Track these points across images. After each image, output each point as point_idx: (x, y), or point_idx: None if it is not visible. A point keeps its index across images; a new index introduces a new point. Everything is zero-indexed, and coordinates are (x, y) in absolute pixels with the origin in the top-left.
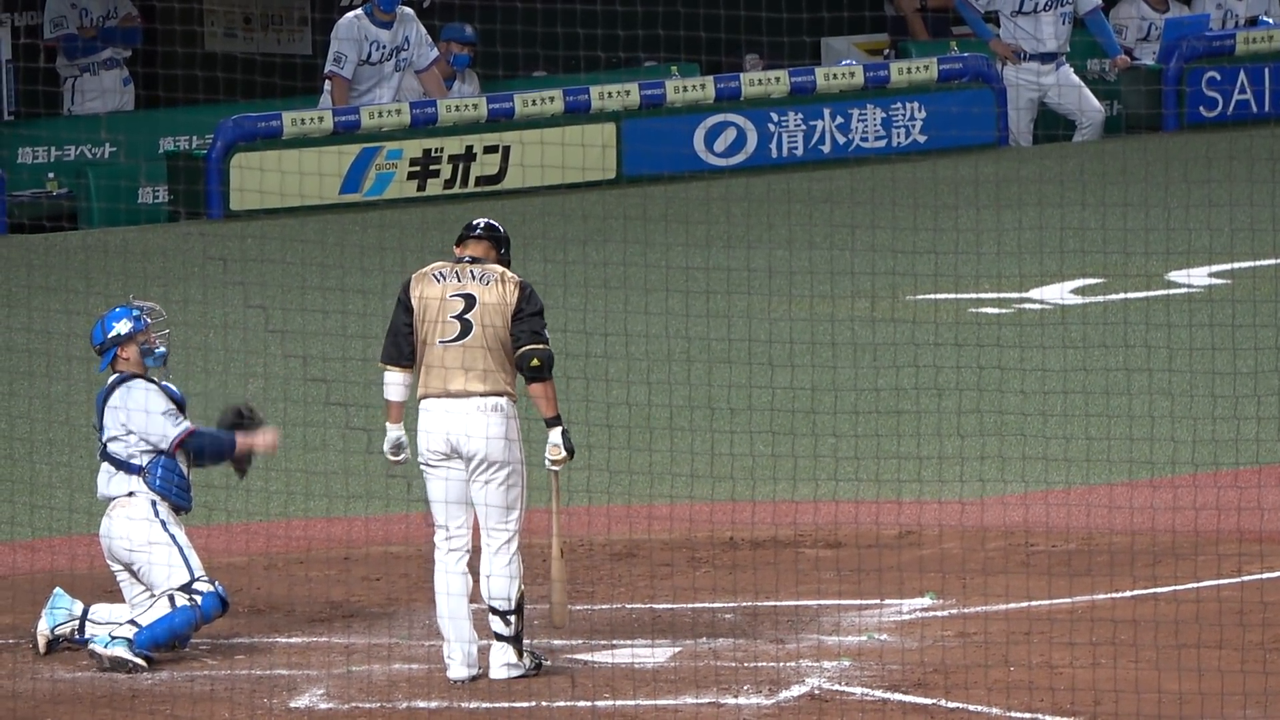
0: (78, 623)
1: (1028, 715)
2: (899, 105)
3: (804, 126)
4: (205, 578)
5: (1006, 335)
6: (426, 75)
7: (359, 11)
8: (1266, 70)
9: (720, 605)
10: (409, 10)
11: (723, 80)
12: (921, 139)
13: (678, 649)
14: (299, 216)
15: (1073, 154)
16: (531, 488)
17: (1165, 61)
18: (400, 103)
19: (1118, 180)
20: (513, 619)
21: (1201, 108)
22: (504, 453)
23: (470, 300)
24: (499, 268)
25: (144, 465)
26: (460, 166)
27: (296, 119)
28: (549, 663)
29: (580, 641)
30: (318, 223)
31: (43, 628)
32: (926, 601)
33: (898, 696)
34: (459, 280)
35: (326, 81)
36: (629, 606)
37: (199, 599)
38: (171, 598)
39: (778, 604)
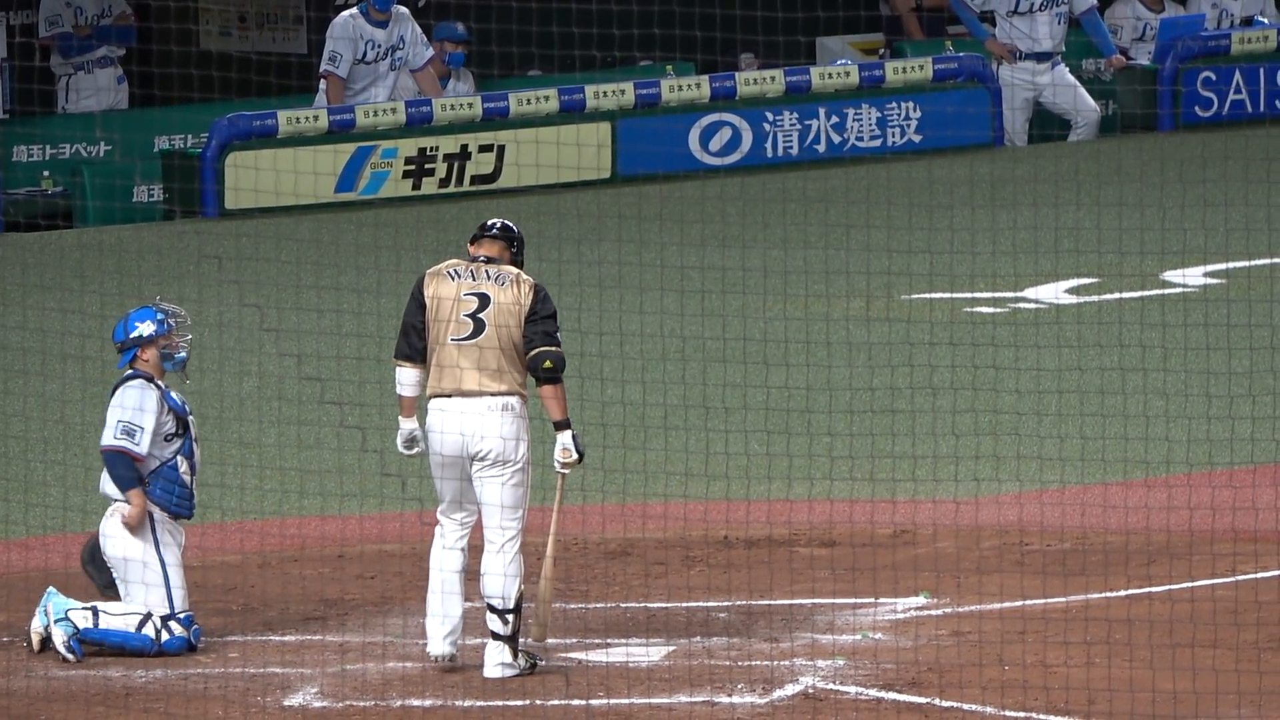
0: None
1: (1022, 714)
2: (894, 105)
3: (799, 126)
4: (184, 618)
5: (1001, 335)
6: (422, 74)
7: (354, 10)
8: (1261, 70)
9: (715, 604)
10: (404, 9)
11: (718, 80)
12: (917, 139)
13: (672, 648)
14: (294, 215)
15: (1068, 154)
16: (534, 486)
17: (1160, 61)
18: (395, 102)
19: (1113, 180)
20: (510, 618)
21: (1196, 107)
22: (513, 452)
23: (484, 299)
24: (514, 269)
25: (145, 475)
26: (455, 165)
27: (292, 118)
28: (544, 662)
29: (574, 640)
30: (313, 221)
31: (36, 625)
32: (921, 600)
33: (892, 695)
34: (474, 279)
35: (322, 80)
36: (623, 605)
37: (166, 636)
38: (146, 619)
39: (772, 603)
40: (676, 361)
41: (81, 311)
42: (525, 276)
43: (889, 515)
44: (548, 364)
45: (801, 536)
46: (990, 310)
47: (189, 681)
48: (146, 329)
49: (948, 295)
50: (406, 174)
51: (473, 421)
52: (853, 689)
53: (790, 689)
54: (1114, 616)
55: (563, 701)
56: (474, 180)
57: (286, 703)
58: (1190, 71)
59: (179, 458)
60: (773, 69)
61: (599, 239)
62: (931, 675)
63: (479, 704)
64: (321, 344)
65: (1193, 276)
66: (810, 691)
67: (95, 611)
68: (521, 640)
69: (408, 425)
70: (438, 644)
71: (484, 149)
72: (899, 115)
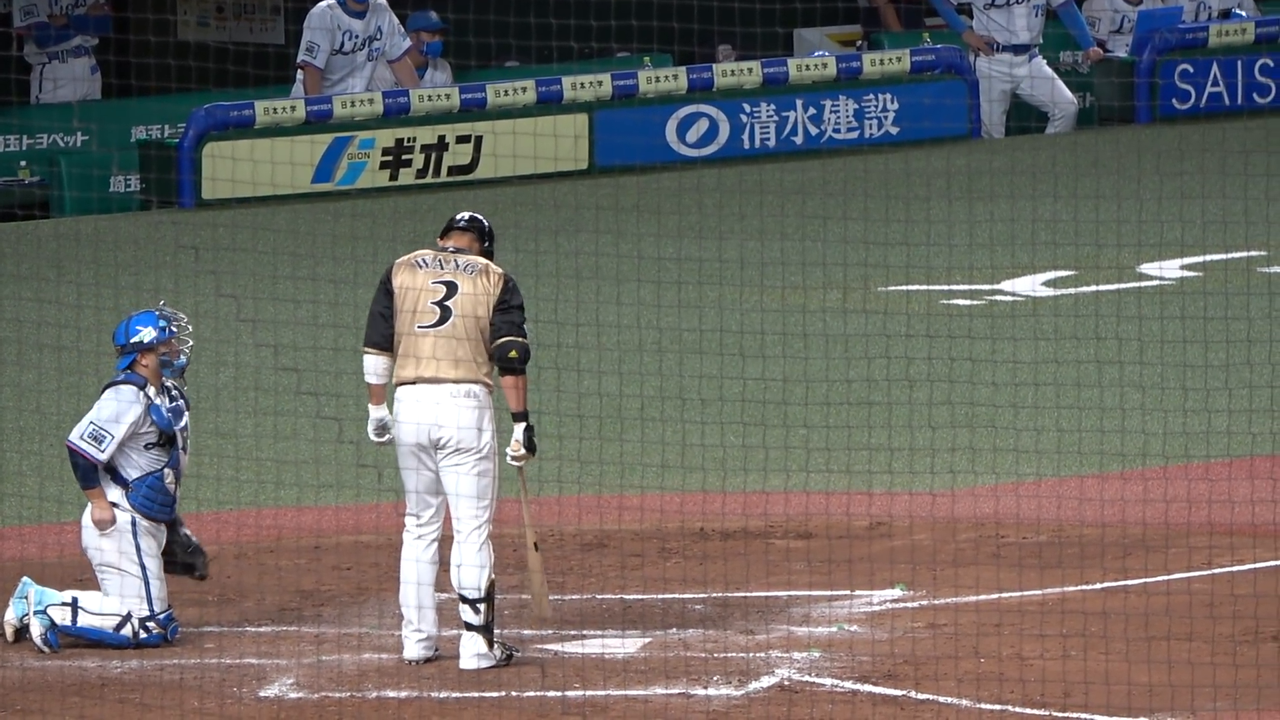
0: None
1: (997, 707)
2: (871, 96)
3: (776, 117)
4: (163, 617)
5: (978, 327)
6: (399, 65)
7: (332, 1)
8: (1239, 63)
9: (690, 596)
10: (382, 0)
11: (695, 71)
12: (894, 130)
13: (648, 640)
14: (271, 206)
15: (1045, 146)
16: (501, 478)
17: (1138, 54)
18: (373, 92)
19: (1090, 172)
20: (482, 608)
21: (1174, 100)
22: (475, 440)
23: (452, 288)
24: (483, 260)
25: (130, 480)
26: (433, 156)
27: (269, 108)
28: (519, 653)
29: (550, 632)
30: (290, 212)
31: (10, 616)
32: (897, 593)
33: (867, 688)
34: (441, 268)
35: (299, 71)
36: (599, 597)
37: (144, 635)
38: (125, 621)
39: (748, 595)
40: (653, 353)
41: (58, 301)
42: (494, 266)
43: (865, 507)
44: (513, 354)
45: (778, 528)
46: (967, 302)
47: (164, 672)
48: (148, 335)
49: (924, 287)
50: (384, 165)
51: (434, 409)
52: (828, 681)
53: (766, 681)
54: (1090, 609)
55: (538, 693)
56: (451, 171)
57: (262, 694)
58: (1168, 64)
59: (165, 469)
60: (750, 60)
61: (576, 230)
62: (907, 668)
63: (455, 695)
64: (298, 334)
65: (1169, 269)
66: (786, 684)
67: (75, 608)
68: (497, 631)
69: (378, 413)
70: (414, 649)
71: (461, 140)
72: (876, 107)
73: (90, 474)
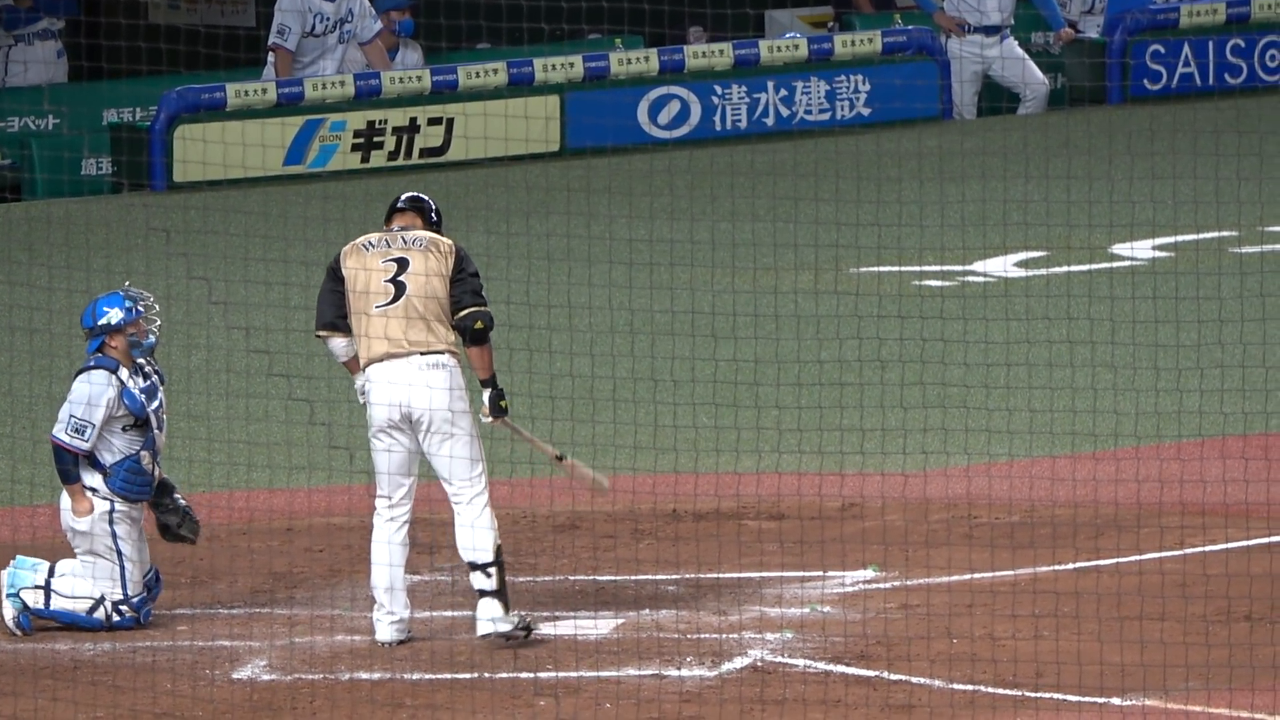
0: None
1: (970, 687)
2: (843, 78)
3: (748, 99)
4: (137, 600)
5: (950, 308)
6: (370, 47)
7: None
8: (1210, 43)
9: (663, 577)
10: None
11: (666, 53)
12: (865, 112)
13: (620, 621)
14: (242, 188)
15: (1016, 127)
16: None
17: (1109, 34)
18: (344, 74)
19: (1061, 153)
20: (493, 571)
21: (1145, 81)
22: (453, 406)
23: (403, 263)
24: (429, 233)
25: (108, 465)
26: (404, 138)
27: (240, 91)
28: (538, 629)
29: (523, 613)
30: (261, 195)
31: None
32: (869, 574)
33: (840, 668)
34: (388, 246)
35: (270, 53)
36: (571, 578)
37: (117, 618)
38: (98, 604)
39: (720, 576)
40: (625, 334)
41: (30, 284)
42: (442, 238)
43: (837, 488)
44: (478, 324)
45: (750, 510)
46: (939, 283)
47: (137, 654)
48: (115, 316)
49: (896, 268)
50: (355, 147)
51: (405, 385)
52: (801, 662)
53: (739, 662)
54: (1062, 589)
55: (511, 675)
56: (423, 153)
57: (235, 675)
58: (1139, 45)
59: (141, 451)
60: (721, 42)
61: (547, 212)
62: (880, 648)
63: (427, 677)
64: (270, 317)
65: (1141, 249)
66: (759, 664)
67: (48, 591)
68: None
69: (359, 380)
70: (385, 631)
71: (433, 122)
72: (848, 88)
73: (72, 468)
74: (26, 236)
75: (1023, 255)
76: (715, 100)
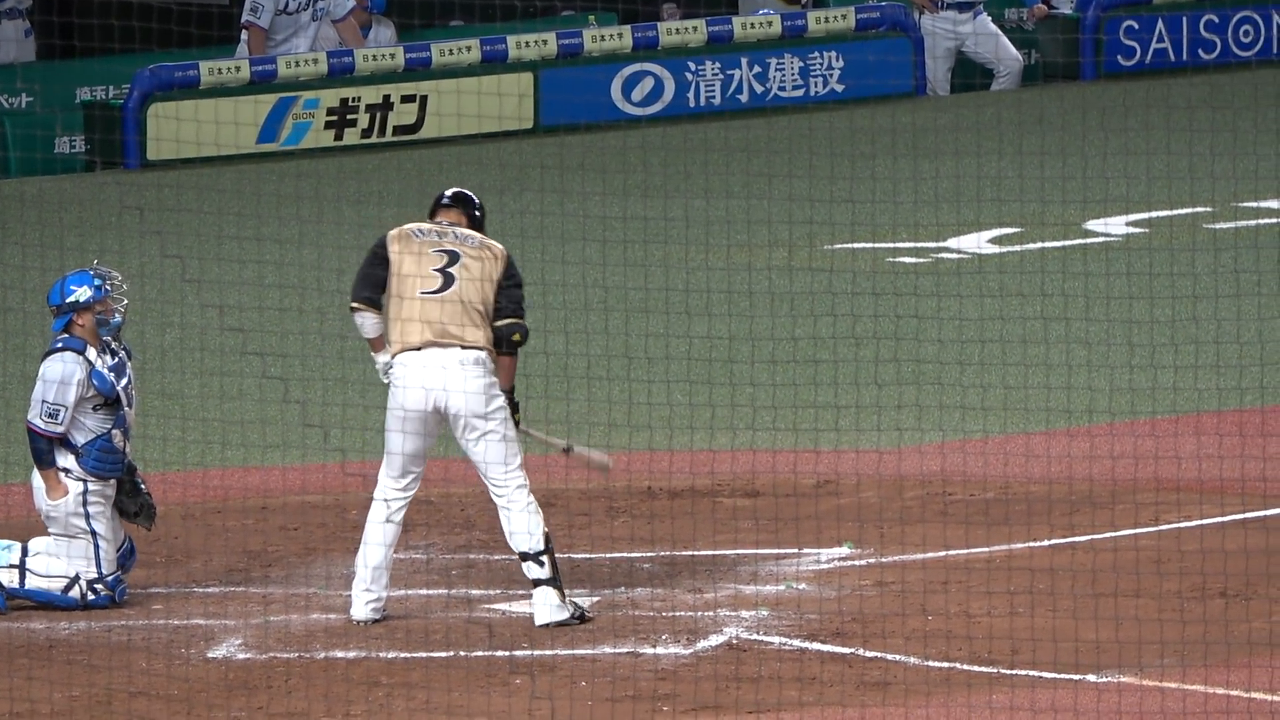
0: (17, 573)
1: (945, 664)
2: (816, 54)
3: (721, 76)
4: (111, 579)
5: (924, 284)
6: (343, 25)
7: None
8: (1184, 19)
9: (638, 555)
10: None
11: (640, 30)
12: (839, 88)
13: (596, 599)
14: (216, 166)
15: (990, 103)
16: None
17: (1083, 10)
18: (317, 52)
19: (1035, 129)
20: (545, 559)
21: (1119, 56)
22: (485, 405)
23: (453, 256)
24: (479, 234)
25: (80, 445)
26: (377, 116)
27: (213, 68)
28: (593, 616)
29: (498, 591)
30: (235, 172)
31: None
32: (844, 551)
33: (816, 646)
34: (439, 238)
35: (243, 31)
36: None
37: (91, 597)
38: (73, 583)
39: (696, 554)
40: (599, 312)
41: (3, 263)
42: (493, 243)
43: (812, 465)
44: (516, 336)
45: (725, 487)
46: (913, 260)
47: (112, 634)
48: (83, 294)
49: (870, 245)
50: (329, 124)
51: (442, 374)
52: (777, 639)
53: (714, 639)
54: (1037, 566)
55: (486, 653)
56: (396, 131)
57: (210, 654)
58: (1112, 20)
59: (113, 430)
60: (695, 19)
61: (521, 189)
62: (855, 625)
63: (403, 655)
64: (244, 295)
65: (1115, 225)
66: (734, 642)
67: (22, 570)
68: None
69: (383, 357)
70: (361, 609)
71: (406, 99)
72: (821, 65)
73: (47, 452)
74: (0, 215)
75: (997, 231)
76: (689, 77)
